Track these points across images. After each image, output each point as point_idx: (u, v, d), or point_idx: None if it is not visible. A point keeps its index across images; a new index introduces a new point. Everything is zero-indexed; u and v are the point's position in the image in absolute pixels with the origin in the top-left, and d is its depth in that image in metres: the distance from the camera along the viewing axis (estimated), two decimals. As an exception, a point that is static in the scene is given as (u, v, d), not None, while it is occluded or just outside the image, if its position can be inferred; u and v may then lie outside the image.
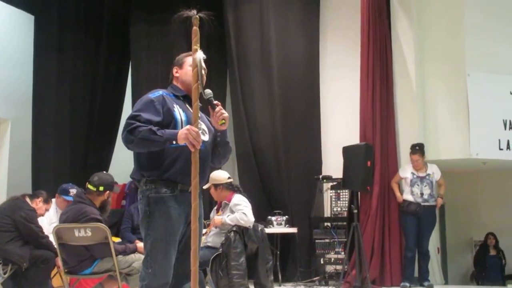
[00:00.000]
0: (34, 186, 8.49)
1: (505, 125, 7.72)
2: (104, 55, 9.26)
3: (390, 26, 7.89)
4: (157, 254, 3.07)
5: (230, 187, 5.43)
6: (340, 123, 8.24)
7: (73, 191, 5.89)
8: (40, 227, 5.48)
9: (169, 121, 3.15)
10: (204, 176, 3.26)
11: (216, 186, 5.35)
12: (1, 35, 8.73)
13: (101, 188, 4.75)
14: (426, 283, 6.99)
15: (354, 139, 7.52)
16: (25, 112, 8.80)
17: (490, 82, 7.71)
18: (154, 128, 3.02)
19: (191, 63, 3.19)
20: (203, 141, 3.14)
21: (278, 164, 8.17)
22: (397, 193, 7.23)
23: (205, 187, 5.37)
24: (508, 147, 7.70)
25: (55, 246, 5.44)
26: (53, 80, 8.89)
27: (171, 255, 3.09)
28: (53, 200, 6.16)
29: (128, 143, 3.06)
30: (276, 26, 8.41)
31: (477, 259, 10.04)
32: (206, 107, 3.26)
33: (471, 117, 7.57)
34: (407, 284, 6.91)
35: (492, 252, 9.82)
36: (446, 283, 8.41)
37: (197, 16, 2.99)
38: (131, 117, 3.09)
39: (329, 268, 7.59)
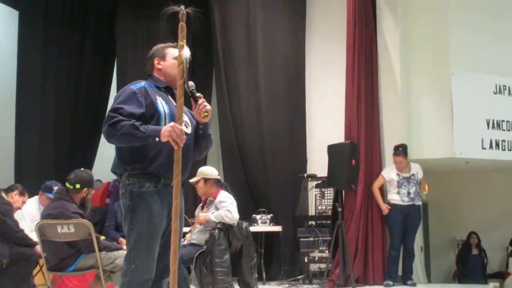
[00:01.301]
0: (17, 183, 8.40)
1: (488, 124, 7.78)
2: (89, 50, 9.20)
3: (375, 24, 7.92)
4: (140, 250, 3.03)
5: (219, 184, 5.43)
6: (325, 121, 8.25)
7: (56, 188, 5.84)
8: (15, 221, 5.38)
9: (152, 114, 3.09)
10: (186, 169, 3.21)
11: (206, 180, 5.33)
12: (-16, 32, 8.65)
13: (77, 186, 4.71)
14: (409, 282, 7.03)
15: (339, 137, 7.53)
16: (9, 108, 8.70)
17: (474, 81, 7.77)
18: (137, 123, 2.96)
19: (175, 56, 3.22)
20: (187, 134, 3.11)
21: (263, 162, 8.17)
22: (380, 201, 7.20)
23: (193, 180, 5.35)
24: (491, 147, 7.77)
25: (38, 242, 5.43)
26: (38, 76, 8.81)
27: (154, 250, 3.05)
28: (36, 197, 6.09)
29: (109, 137, 3.00)
30: (263, 24, 8.41)
31: (460, 258, 10.11)
32: (189, 99, 3.22)
33: (454, 116, 7.62)
34: (390, 283, 6.94)
35: (475, 251, 9.90)
36: (429, 281, 8.46)
37: (185, 11, 2.97)
38: (113, 110, 3.02)
39: (313, 267, 7.58)
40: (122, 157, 3.14)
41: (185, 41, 3.01)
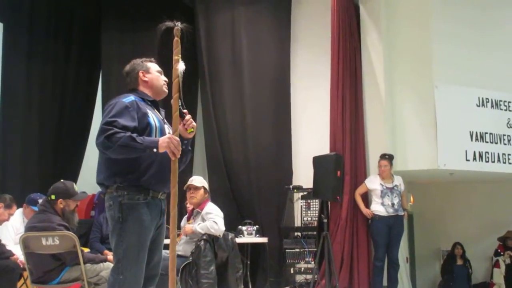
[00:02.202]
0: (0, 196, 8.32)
1: (471, 136, 7.86)
2: (74, 61, 9.19)
3: (360, 36, 8.00)
4: (129, 261, 3.07)
5: (207, 195, 5.45)
6: (310, 133, 8.29)
7: (40, 201, 5.79)
8: None
9: (144, 127, 3.16)
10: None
11: (205, 190, 5.37)
12: (-33, 40, 8.59)
13: (52, 197, 4.69)
14: (395, 292, 7.07)
15: (324, 149, 7.57)
16: (-8, 121, 8.64)
17: (457, 94, 7.86)
18: (134, 135, 3.01)
19: (157, 69, 3.39)
20: None
21: (249, 174, 8.18)
22: (362, 206, 7.24)
23: (198, 184, 5.34)
24: (474, 158, 7.84)
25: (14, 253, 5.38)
26: (22, 86, 8.74)
27: (143, 261, 3.10)
28: (20, 209, 6.04)
29: (105, 149, 3.02)
30: (247, 36, 8.45)
31: (445, 268, 10.16)
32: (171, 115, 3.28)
33: (438, 128, 7.68)
34: (376, 293, 6.97)
35: (459, 262, 9.95)
36: (415, 292, 8.50)
37: (179, 27, 3.07)
38: (108, 123, 3.04)
39: (299, 278, 7.61)
40: (111, 170, 3.15)
41: (180, 55, 3.11)
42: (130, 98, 3.22)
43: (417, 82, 7.97)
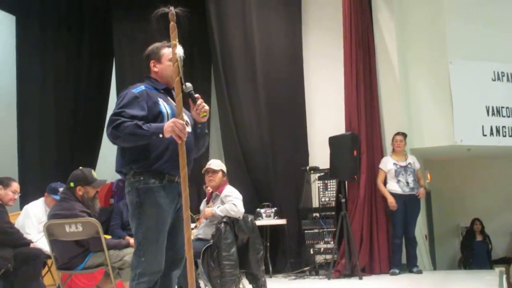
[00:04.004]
0: (21, 187, 8.37)
1: (488, 111, 7.83)
2: (87, 52, 9.23)
3: (371, 15, 7.95)
4: (149, 243, 3.14)
5: (226, 178, 5.48)
6: (325, 114, 8.28)
7: (61, 189, 5.84)
8: (8, 223, 5.33)
9: (155, 115, 3.21)
10: (189, 166, 3.31)
11: (223, 173, 5.39)
12: (-18, 35, 8.69)
13: (71, 184, 4.72)
14: (415, 269, 7.08)
15: (339, 129, 7.57)
16: (10, 113, 8.75)
17: (472, 69, 7.81)
18: (140, 123, 3.07)
19: (170, 57, 3.32)
20: (187, 132, 3.22)
21: (265, 156, 8.20)
22: (387, 195, 7.14)
23: (216, 167, 5.35)
24: (491, 133, 7.81)
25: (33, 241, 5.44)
26: (37, 80, 8.85)
27: (163, 243, 3.17)
28: (42, 199, 6.11)
29: (114, 138, 3.11)
30: (259, 19, 8.43)
31: (464, 244, 10.17)
32: (187, 100, 3.33)
33: (454, 104, 7.66)
34: (396, 271, 6.99)
35: (479, 238, 9.96)
36: (435, 269, 8.52)
37: (174, 12, 3.07)
38: (116, 114, 3.13)
39: (319, 258, 7.64)
40: (127, 157, 3.24)
41: (177, 40, 3.12)
42: (140, 88, 3.28)
43: (431, 59, 7.94)
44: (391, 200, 7.11)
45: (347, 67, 7.62)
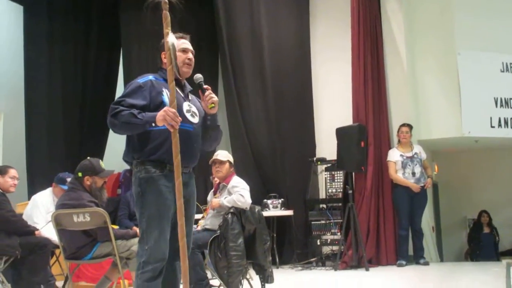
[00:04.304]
0: (29, 177, 8.50)
1: (496, 102, 7.78)
2: (94, 42, 9.23)
3: (380, 6, 7.91)
4: (152, 231, 3.17)
5: (233, 169, 5.48)
6: (332, 105, 8.27)
7: (69, 179, 5.86)
8: (10, 211, 5.36)
9: (158, 105, 3.22)
10: (194, 157, 3.37)
11: (230, 164, 5.39)
12: (-10, 26, 8.70)
13: (79, 174, 4.75)
14: (421, 261, 7.08)
15: (347, 120, 7.56)
16: (18, 104, 8.78)
17: (481, 60, 7.77)
18: (135, 112, 3.12)
19: (179, 48, 3.35)
20: (193, 123, 3.31)
21: (273, 148, 8.21)
22: (407, 183, 7.10)
23: (223, 158, 5.36)
24: (499, 125, 7.77)
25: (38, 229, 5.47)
26: (45, 70, 8.87)
27: (166, 231, 3.19)
28: (50, 189, 6.14)
29: (112, 126, 3.19)
30: (267, 11, 8.41)
31: (471, 236, 10.15)
32: (197, 91, 3.38)
33: (462, 95, 7.62)
34: (403, 262, 6.99)
35: (486, 230, 9.93)
36: (441, 260, 8.52)
37: (166, 0, 3.10)
38: (116, 102, 3.20)
39: (326, 249, 7.66)
40: (131, 146, 3.30)
41: (169, 28, 3.14)
42: (146, 78, 3.32)
43: (439, 49, 7.90)
44: (411, 184, 7.07)
45: (354, 58, 7.60)
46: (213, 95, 3.33)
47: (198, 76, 3.35)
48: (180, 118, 3.08)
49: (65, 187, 5.75)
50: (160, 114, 3.06)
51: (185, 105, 3.35)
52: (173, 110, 3.04)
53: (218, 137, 3.54)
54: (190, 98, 3.47)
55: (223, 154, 5.43)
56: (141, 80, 3.30)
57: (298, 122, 8.28)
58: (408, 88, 7.81)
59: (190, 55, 3.43)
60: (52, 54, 8.91)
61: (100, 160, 4.98)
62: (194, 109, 3.38)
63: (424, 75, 7.98)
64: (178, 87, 3.36)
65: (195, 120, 3.35)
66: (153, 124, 3.10)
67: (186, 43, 3.46)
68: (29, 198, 6.73)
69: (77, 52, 9.11)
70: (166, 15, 3.12)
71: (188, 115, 3.32)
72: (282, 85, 8.32)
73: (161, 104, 3.21)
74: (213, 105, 3.31)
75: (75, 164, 4.97)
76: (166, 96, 3.26)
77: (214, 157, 5.42)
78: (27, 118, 8.77)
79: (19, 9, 9.00)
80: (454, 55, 7.72)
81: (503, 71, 7.95)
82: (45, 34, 8.88)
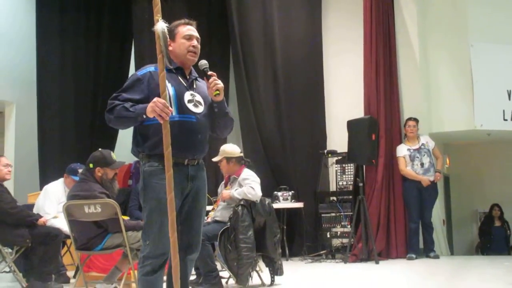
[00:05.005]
0: (41, 168, 8.57)
1: (509, 95, 7.72)
2: (106, 34, 9.28)
3: (392, -2, 7.86)
4: (152, 226, 3.13)
5: (241, 161, 5.44)
6: (344, 97, 8.24)
7: (81, 171, 5.89)
8: (8, 203, 5.28)
9: (157, 97, 3.08)
10: (200, 148, 3.27)
11: (228, 159, 5.36)
12: (3, 18, 8.76)
13: (90, 165, 4.75)
14: (432, 254, 7.07)
15: (358, 112, 7.53)
16: (30, 95, 8.85)
17: (494, 53, 7.70)
18: (127, 105, 3.08)
19: (184, 34, 3.27)
20: (196, 113, 3.20)
21: (283, 140, 8.20)
22: (418, 177, 7.10)
23: (216, 159, 5.39)
24: (512, 118, 7.70)
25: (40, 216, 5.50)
26: (57, 61, 8.92)
27: (166, 226, 3.03)
28: (61, 179, 6.18)
29: (108, 122, 3.18)
30: (278, 2, 8.39)
31: (482, 230, 10.11)
32: (203, 77, 3.30)
33: (475, 88, 7.57)
34: (413, 256, 6.99)
35: (497, 223, 9.89)
36: (452, 254, 8.50)
37: None
38: (112, 97, 3.17)
39: (336, 242, 7.66)
40: (135, 141, 3.27)
41: (160, 15, 3.05)
42: (145, 70, 3.26)
43: (452, 41, 7.84)
44: (421, 178, 7.07)
45: (366, 50, 7.56)
46: (218, 81, 3.20)
47: (203, 63, 3.25)
48: (170, 109, 3.00)
49: (77, 178, 5.76)
50: (149, 106, 2.99)
51: (187, 95, 3.24)
52: (162, 101, 2.97)
53: (227, 124, 3.41)
54: (195, 86, 3.35)
55: (220, 151, 5.41)
56: (140, 72, 3.26)
57: (309, 114, 8.26)
58: (420, 80, 7.76)
59: (195, 42, 3.30)
60: (64, 47, 8.96)
61: (112, 152, 4.99)
62: (198, 98, 3.28)
63: (436, 67, 7.93)
64: (181, 76, 3.29)
65: (199, 109, 3.25)
66: (145, 116, 3.04)
67: (191, 29, 3.33)
68: (41, 188, 6.78)
69: (89, 45, 9.16)
70: (156, 2, 3.03)
71: (190, 105, 3.21)
72: (293, 77, 8.30)
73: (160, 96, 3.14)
74: (218, 92, 3.19)
75: (87, 155, 4.98)
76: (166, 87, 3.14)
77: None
78: (39, 110, 8.82)
79: (31, 1, 9.03)
80: (467, 47, 7.66)
81: (517, 63, 7.88)
82: (57, 26, 8.93)
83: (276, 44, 8.29)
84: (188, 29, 3.32)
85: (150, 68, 3.26)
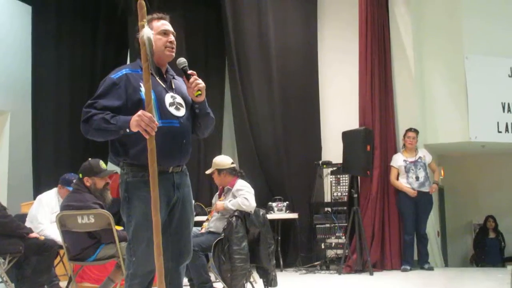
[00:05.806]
0: (35, 177, 8.52)
1: (503, 107, 7.76)
2: (102, 40, 9.27)
3: (388, 9, 7.88)
4: (139, 242, 2.92)
5: (234, 172, 5.43)
6: (339, 108, 8.25)
7: (74, 181, 5.87)
8: None
9: (136, 103, 2.93)
10: (184, 154, 3.09)
11: (219, 171, 5.35)
12: (-2, 27, 8.74)
13: (80, 175, 4.75)
14: (426, 266, 7.05)
15: (353, 123, 7.53)
16: (25, 104, 8.82)
17: (488, 65, 7.74)
18: (108, 116, 2.84)
19: (158, 30, 3.06)
20: (178, 117, 3.01)
21: (278, 150, 8.19)
22: (405, 189, 7.08)
23: (208, 172, 5.40)
24: (507, 130, 7.74)
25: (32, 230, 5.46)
26: (52, 70, 8.89)
27: (153, 241, 2.83)
28: (55, 189, 6.15)
29: (85, 133, 2.91)
30: (274, 12, 8.39)
31: (477, 242, 10.10)
32: (181, 76, 3.14)
33: (469, 100, 7.60)
34: (408, 267, 6.97)
35: (492, 235, 9.88)
36: (446, 265, 8.48)
37: None
38: (88, 105, 2.91)
39: (330, 253, 7.63)
40: (115, 148, 3.02)
41: (145, 20, 2.87)
42: (121, 72, 3.02)
43: (447, 54, 7.88)
44: (407, 190, 7.05)
45: (362, 61, 7.58)
46: (199, 80, 3.01)
47: (182, 61, 3.04)
48: (156, 123, 2.78)
49: (71, 188, 5.74)
50: (133, 120, 2.76)
51: (168, 98, 3.02)
52: (149, 114, 2.74)
53: (208, 124, 3.21)
54: (174, 86, 3.13)
55: (213, 164, 5.42)
56: (115, 75, 2.99)
57: (304, 125, 8.26)
58: (415, 92, 7.78)
59: (172, 38, 3.10)
60: (59, 55, 8.94)
61: (101, 161, 4.95)
62: (178, 99, 3.06)
63: (431, 79, 7.95)
64: (159, 76, 3.07)
65: (181, 113, 3.03)
66: (128, 130, 2.80)
67: (166, 24, 3.12)
68: (34, 198, 6.74)
69: (85, 53, 9.15)
70: (142, 5, 2.83)
71: (172, 109, 3.00)
72: (288, 88, 8.30)
73: (140, 102, 2.90)
74: (199, 92, 3.00)
75: (80, 165, 4.97)
76: (144, 91, 2.89)
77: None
78: (33, 118, 8.79)
79: (27, 9, 9.04)
80: (461, 59, 7.70)
81: (511, 76, 7.92)
82: (53, 34, 8.91)
83: (271, 54, 8.30)
84: (163, 24, 3.12)
85: (126, 69, 3.04)
